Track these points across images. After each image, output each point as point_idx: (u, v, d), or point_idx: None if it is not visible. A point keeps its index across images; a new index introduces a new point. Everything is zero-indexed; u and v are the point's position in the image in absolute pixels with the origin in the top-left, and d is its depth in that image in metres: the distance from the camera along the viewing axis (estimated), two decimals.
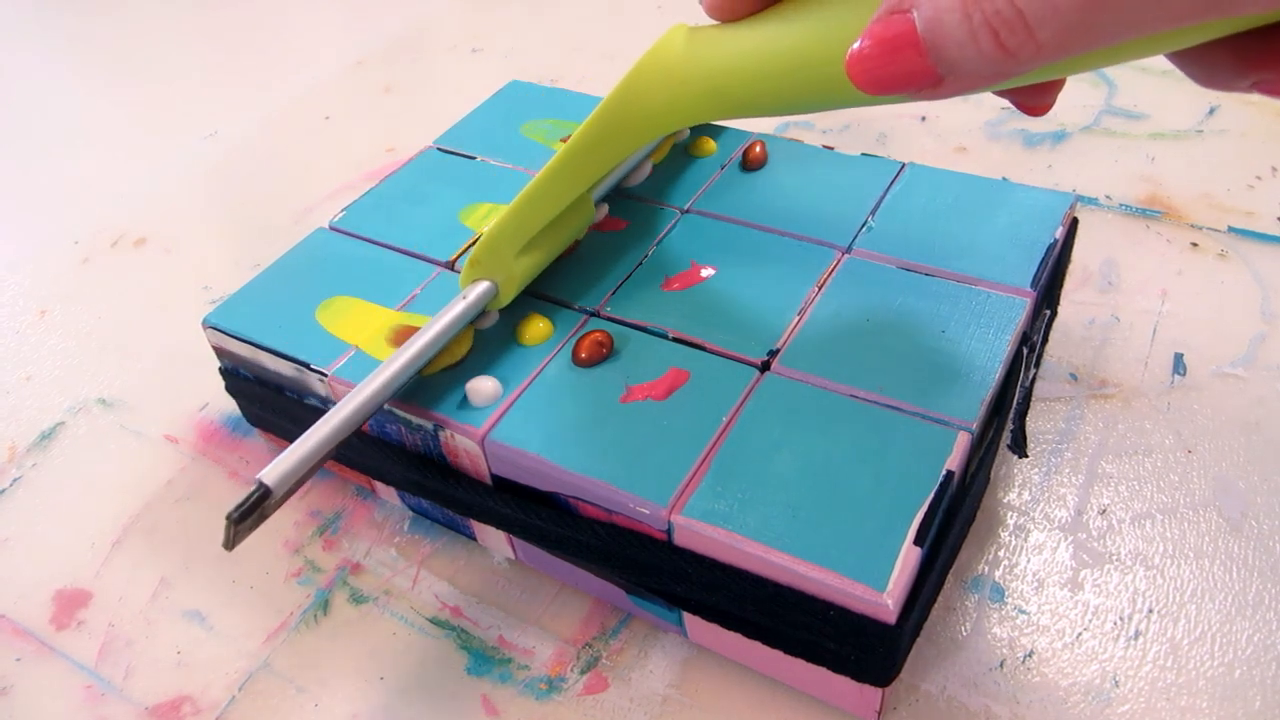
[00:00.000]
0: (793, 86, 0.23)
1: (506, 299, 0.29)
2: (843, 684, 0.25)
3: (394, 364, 0.27)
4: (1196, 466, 0.32)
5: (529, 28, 0.62)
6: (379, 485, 0.33)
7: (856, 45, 0.19)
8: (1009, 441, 0.30)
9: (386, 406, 0.28)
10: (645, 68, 0.26)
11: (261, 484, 0.23)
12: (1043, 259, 0.30)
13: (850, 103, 0.22)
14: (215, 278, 0.44)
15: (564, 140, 0.38)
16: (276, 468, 0.24)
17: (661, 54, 0.26)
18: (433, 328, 0.28)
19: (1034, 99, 0.22)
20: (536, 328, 0.30)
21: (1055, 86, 0.22)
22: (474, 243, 0.34)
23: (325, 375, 0.29)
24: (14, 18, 0.71)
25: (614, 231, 0.34)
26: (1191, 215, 0.42)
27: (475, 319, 0.29)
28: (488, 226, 0.30)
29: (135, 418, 0.38)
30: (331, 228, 0.35)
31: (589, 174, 0.29)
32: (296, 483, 0.24)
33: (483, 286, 0.29)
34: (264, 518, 0.23)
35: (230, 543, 0.23)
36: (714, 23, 0.25)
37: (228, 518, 0.23)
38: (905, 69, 0.19)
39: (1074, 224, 0.33)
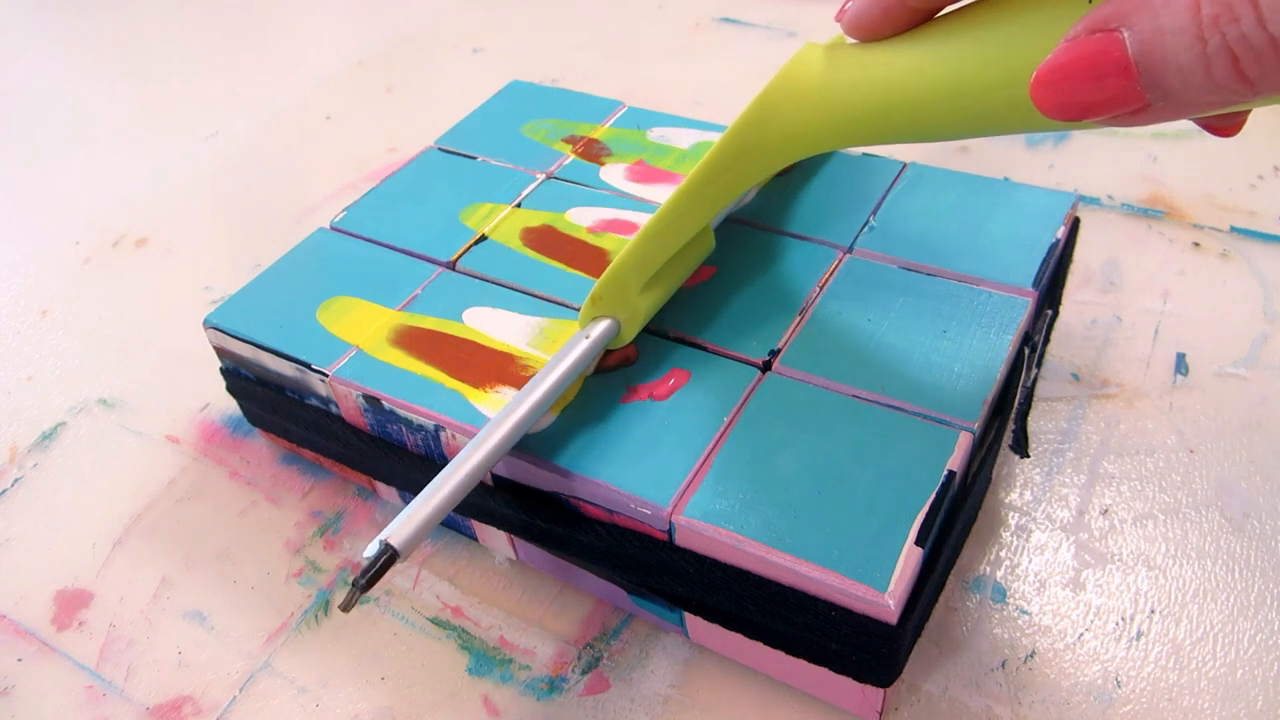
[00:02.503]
0: (954, 112, 0.21)
1: (628, 337, 0.28)
2: (844, 684, 0.25)
3: (513, 416, 0.25)
4: (1199, 467, 0.32)
5: (530, 27, 0.62)
6: (380, 485, 0.33)
7: (1046, 66, 0.17)
8: (1010, 442, 0.30)
9: (388, 406, 0.28)
10: (777, 90, 0.24)
11: (389, 546, 0.22)
12: (1044, 259, 0.30)
13: (1022, 128, 0.21)
14: (216, 278, 0.44)
15: (566, 140, 0.38)
16: (403, 529, 0.22)
17: (795, 75, 0.24)
18: (553, 372, 0.26)
19: (1228, 120, 0.20)
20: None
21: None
22: (477, 241, 0.34)
23: (326, 375, 0.29)
24: (14, 18, 0.71)
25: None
26: (1193, 215, 0.42)
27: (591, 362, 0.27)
28: (612, 261, 0.27)
29: (136, 418, 0.38)
30: (332, 228, 0.35)
31: (715, 203, 0.27)
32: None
33: (604, 325, 0.27)
34: (384, 579, 0.22)
35: (349, 605, 0.22)
36: (851, 41, 0.23)
37: (354, 584, 0.21)
38: (1107, 94, 0.17)
39: (1076, 224, 0.33)
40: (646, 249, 0.27)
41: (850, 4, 0.22)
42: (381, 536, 0.22)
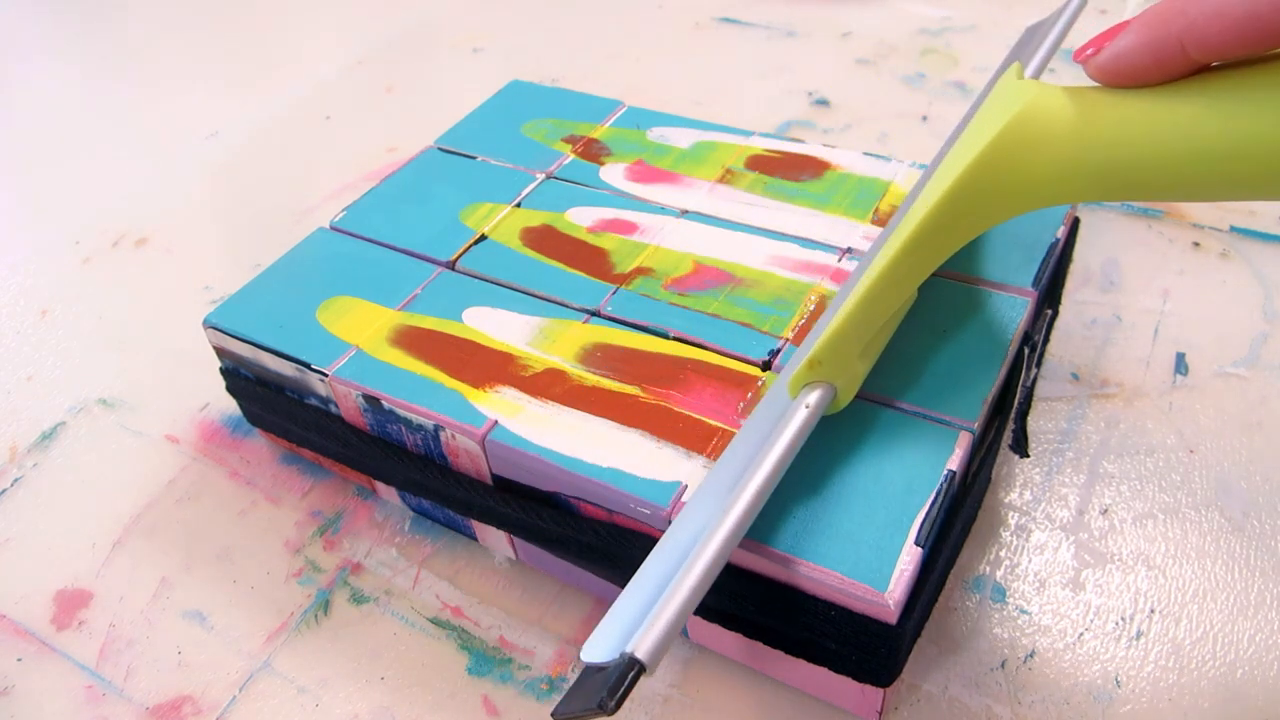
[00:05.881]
0: (1247, 175, 0.20)
1: (844, 404, 0.25)
2: (844, 684, 0.25)
3: (739, 504, 0.22)
4: (1198, 466, 0.32)
5: (530, 27, 0.62)
6: (380, 485, 0.33)
7: None
8: (1010, 441, 0.30)
9: (387, 406, 0.28)
10: (1015, 134, 0.22)
11: (636, 660, 0.19)
12: (1044, 258, 0.30)
13: None
14: (216, 278, 0.44)
15: (565, 140, 0.38)
16: (647, 638, 0.19)
17: (1034, 121, 0.22)
18: (774, 449, 0.23)
19: None
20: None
21: None
22: (476, 241, 0.34)
23: (326, 375, 0.29)
24: (15, 18, 0.71)
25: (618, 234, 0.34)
26: (1193, 214, 0.41)
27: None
28: (829, 324, 0.24)
29: (136, 418, 0.38)
30: (332, 227, 0.35)
31: (937, 257, 0.24)
32: None
33: (820, 392, 0.24)
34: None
35: (568, 717, 0.19)
36: (1090, 84, 0.22)
37: (600, 706, 0.19)
38: None
39: (1075, 223, 0.33)
40: (869, 310, 0.24)
41: (1108, 47, 0.21)
42: (626, 649, 0.19)
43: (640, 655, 0.19)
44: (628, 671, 0.19)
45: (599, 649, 0.20)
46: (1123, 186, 0.22)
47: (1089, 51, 0.21)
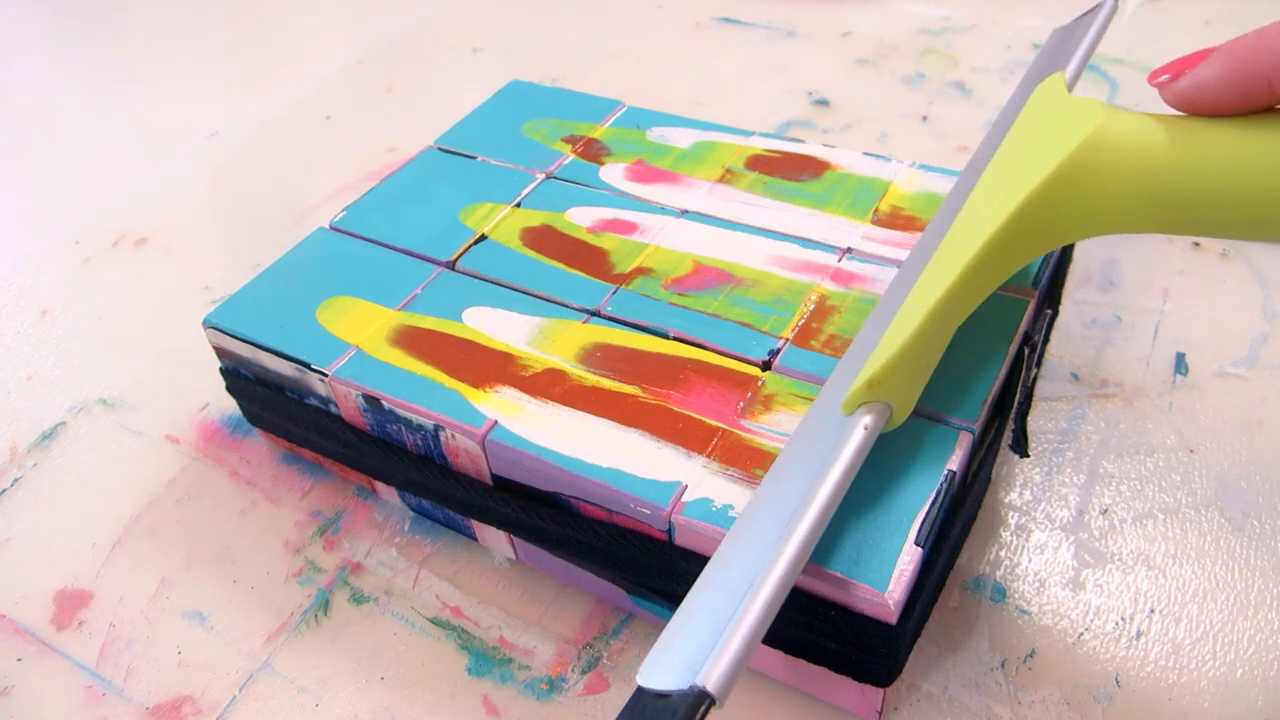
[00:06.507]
0: None
1: (899, 422, 0.24)
2: (844, 684, 0.25)
3: (802, 528, 0.21)
4: (1198, 466, 0.32)
5: (530, 27, 0.62)
6: (380, 485, 0.33)
7: None
8: (1010, 441, 0.30)
9: (387, 406, 0.28)
10: (1084, 158, 0.21)
11: (707, 694, 0.18)
12: (1044, 258, 0.30)
13: None
14: (216, 278, 0.44)
15: (565, 140, 0.38)
16: (717, 670, 0.19)
17: (1106, 144, 0.21)
18: (834, 471, 0.22)
19: None
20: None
21: None
22: (476, 241, 0.34)
23: (326, 375, 0.29)
24: (14, 17, 0.71)
25: (618, 234, 0.34)
26: None
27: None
28: (894, 346, 0.23)
29: (136, 418, 0.38)
30: (332, 227, 0.35)
31: (999, 277, 0.24)
32: None
33: (876, 412, 0.23)
34: None
35: None
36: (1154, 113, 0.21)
37: None
38: None
39: None
40: (931, 332, 0.24)
41: (1189, 75, 0.20)
42: (696, 680, 0.18)
43: (711, 689, 0.18)
44: (699, 704, 0.18)
45: (660, 675, 0.19)
46: (1191, 221, 0.21)
47: (1165, 77, 0.21)
